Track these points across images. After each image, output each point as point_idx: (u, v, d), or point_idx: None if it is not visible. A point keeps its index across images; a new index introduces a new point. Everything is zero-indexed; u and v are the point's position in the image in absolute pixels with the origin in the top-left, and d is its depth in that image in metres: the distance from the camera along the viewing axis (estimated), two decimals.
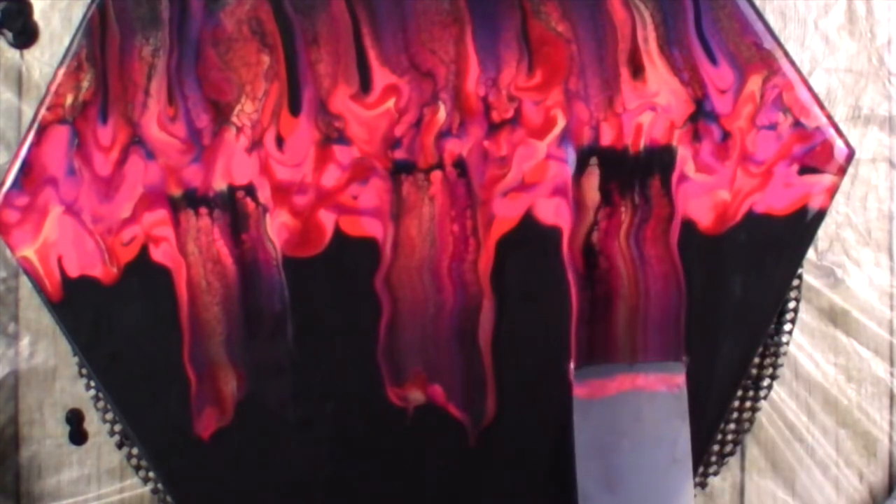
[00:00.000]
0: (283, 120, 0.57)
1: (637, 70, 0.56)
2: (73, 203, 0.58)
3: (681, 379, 0.56)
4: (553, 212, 0.56)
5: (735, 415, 0.60)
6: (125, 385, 0.59)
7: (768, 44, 0.55)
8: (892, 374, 0.62)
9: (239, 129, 0.57)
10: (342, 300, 0.58)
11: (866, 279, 0.62)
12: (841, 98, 0.62)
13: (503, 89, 0.56)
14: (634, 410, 0.56)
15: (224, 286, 0.58)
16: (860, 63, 0.62)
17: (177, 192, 0.58)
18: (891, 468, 0.62)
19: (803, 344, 0.62)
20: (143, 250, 0.58)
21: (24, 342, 0.64)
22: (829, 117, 0.56)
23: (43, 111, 0.58)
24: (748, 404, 0.60)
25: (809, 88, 0.56)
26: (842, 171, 0.56)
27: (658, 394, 0.56)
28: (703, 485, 0.61)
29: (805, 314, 0.62)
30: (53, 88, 0.58)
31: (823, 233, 0.62)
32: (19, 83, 0.64)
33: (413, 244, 0.57)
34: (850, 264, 0.62)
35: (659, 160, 0.56)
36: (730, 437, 0.60)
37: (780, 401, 0.62)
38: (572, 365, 0.57)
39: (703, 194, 0.56)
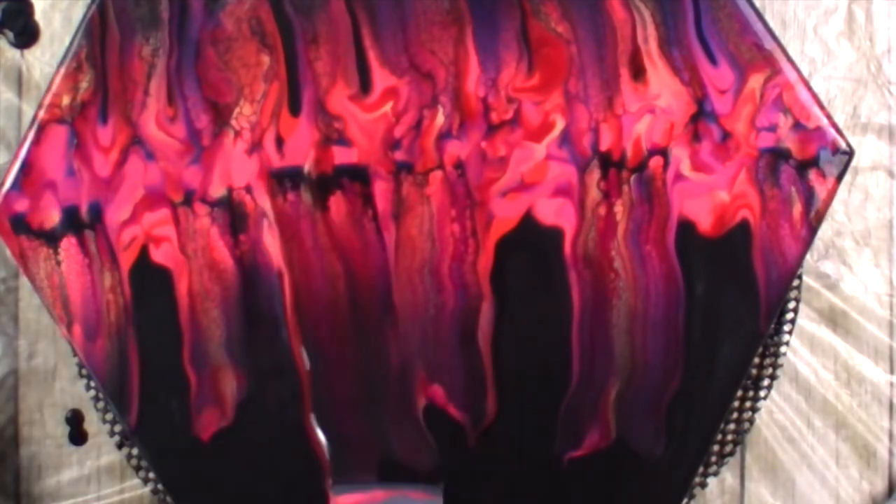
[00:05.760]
0: (282, 120, 0.57)
1: (637, 71, 0.56)
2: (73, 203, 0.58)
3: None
4: (554, 212, 0.56)
5: (735, 415, 0.60)
6: None
7: (768, 44, 0.55)
8: (892, 384, 0.62)
9: (237, 133, 0.57)
10: None
11: (863, 287, 0.62)
12: (839, 106, 0.62)
13: (502, 90, 0.56)
14: None
15: (223, 287, 0.58)
16: (859, 71, 0.62)
17: (177, 192, 0.57)
18: (889, 473, 0.62)
19: (800, 348, 0.62)
20: (143, 251, 0.58)
21: (24, 342, 0.64)
22: (830, 117, 0.56)
23: (41, 112, 0.58)
24: (748, 404, 0.60)
25: (809, 89, 0.56)
26: (841, 172, 0.56)
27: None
28: (703, 485, 0.61)
29: (803, 319, 0.62)
30: (51, 89, 0.58)
31: (821, 240, 0.62)
32: (19, 83, 0.64)
33: (413, 244, 0.57)
34: (847, 272, 0.62)
35: (656, 160, 0.56)
36: (730, 437, 0.60)
37: (776, 406, 0.62)
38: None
39: (702, 195, 0.56)
